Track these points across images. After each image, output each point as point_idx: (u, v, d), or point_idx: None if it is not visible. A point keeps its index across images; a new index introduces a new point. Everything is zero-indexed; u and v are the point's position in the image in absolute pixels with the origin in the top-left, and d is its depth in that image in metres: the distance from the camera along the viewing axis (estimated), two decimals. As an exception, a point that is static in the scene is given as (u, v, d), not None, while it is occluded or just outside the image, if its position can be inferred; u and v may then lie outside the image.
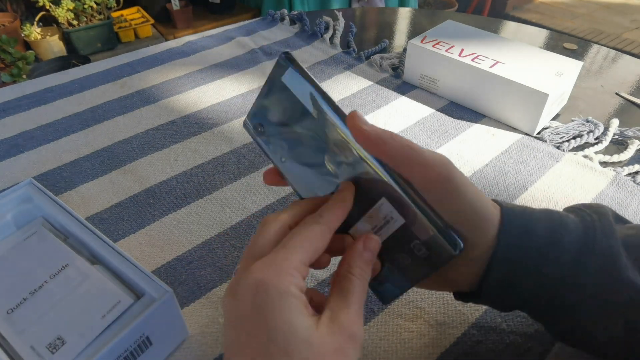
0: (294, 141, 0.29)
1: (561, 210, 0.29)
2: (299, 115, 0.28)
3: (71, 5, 1.86)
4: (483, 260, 0.26)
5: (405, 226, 0.26)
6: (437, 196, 0.25)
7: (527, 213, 0.27)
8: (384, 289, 0.28)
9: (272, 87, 0.28)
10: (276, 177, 0.30)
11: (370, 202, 0.27)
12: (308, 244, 0.24)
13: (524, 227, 0.26)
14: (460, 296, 0.30)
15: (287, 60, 0.27)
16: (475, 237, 0.26)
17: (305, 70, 0.27)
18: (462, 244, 0.25)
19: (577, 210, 0.28)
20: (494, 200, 0.28)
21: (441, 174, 0.25)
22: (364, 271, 0.25)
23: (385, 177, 0.26)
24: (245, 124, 0.31)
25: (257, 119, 0.30)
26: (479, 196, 0.26)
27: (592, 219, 0.27)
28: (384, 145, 0.25)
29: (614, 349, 0.27)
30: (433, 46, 0.62)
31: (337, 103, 0.27)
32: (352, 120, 0.25)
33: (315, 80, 0.27)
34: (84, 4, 1.88)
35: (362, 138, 0.25)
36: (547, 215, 0.27)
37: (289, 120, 0.28)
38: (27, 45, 1.91)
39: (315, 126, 0.27)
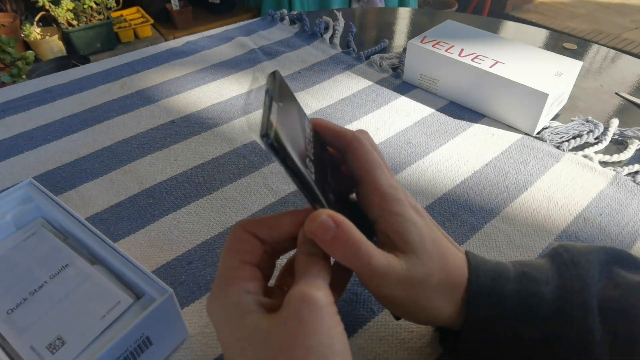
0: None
1: (555, 245, 0.30)
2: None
3: (71, 6, 1.86)
4: (451, 313, 0.27)
5: None
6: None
7: (497, 280, 0.27)
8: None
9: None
10: None
11: None
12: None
13: (494, 299, 0.26)
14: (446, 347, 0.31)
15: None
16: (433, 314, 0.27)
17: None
18: None
19: (561, 266, 0.28)
20: (466, 252, 0.28)
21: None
22: (303, 243, 0.26)
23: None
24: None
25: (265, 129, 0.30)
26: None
27: (572, 289, 0.26)
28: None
29: None
30: (433, 46, 0.62)
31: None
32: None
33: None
34: (84, 4, 1.88)
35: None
36: (521, 282, 0.27)
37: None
38: (27, 46, 1.91)
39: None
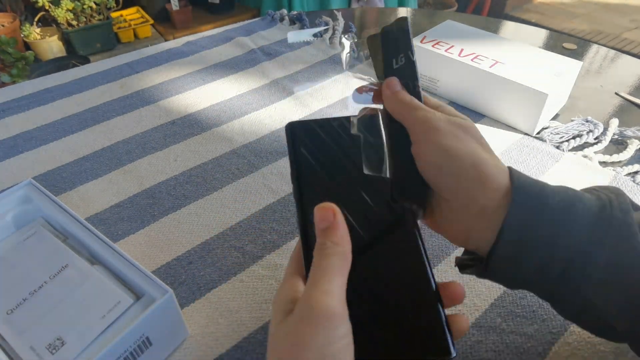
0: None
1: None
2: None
3: (70, 6, 1.85)
4: (491, 220, 0.26)
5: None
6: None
7: (539, 183, 0.26)
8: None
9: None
10: None
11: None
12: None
13: (536, 196, 0.25)
14: (467, 271, 0.29)
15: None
16: (476, 187, 0.26)
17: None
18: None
19: (592, 190, 0.28)
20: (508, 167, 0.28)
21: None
22: (320, 247, 0.24)
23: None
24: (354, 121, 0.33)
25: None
26: (476, 159, 0.27)
27: (608, 197, 0.26)
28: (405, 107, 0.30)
29: (625, 327, 0.26)
30: (433, 46, 0.62)
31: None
32: (388, 84, 0.31)
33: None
34: (84, 4, 1.87)
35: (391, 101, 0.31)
36: (561, 187, 0.26)
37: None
38: (27, 46, 1.91)
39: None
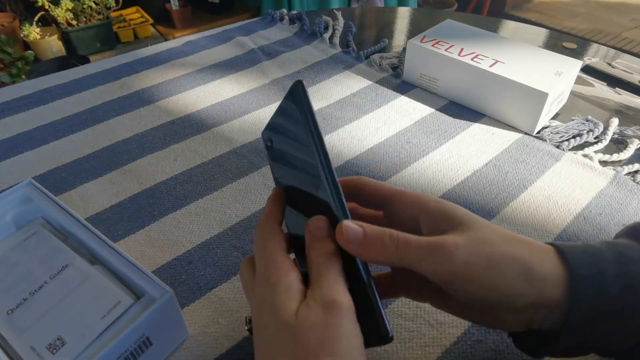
0: (291, 167, 0.29)
1: (629, 226, 0.28)
2: (297, 146, 0.28)
3: (70, 5, 1.85)
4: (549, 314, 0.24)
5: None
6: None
7: (598, 267, 0.24)
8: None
9: (283, 108, 0.28)
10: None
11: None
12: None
13: (597, 289, 0.24)
14: (526, 345, 0.28)
15: (298, 90, 0.27)
16: (523, 288, 0.24)
17: (309, 107, 0.26)
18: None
19: None
20: (550, 244, 0.26)
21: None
22: (315, 248, 0.26)
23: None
24: (262, 135, 0.32)
25: (269, 133, 0.31)
26: (511, 258, 0.24)
27: None
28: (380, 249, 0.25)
29: None
30: (432, 45, 0.62)
31: (326, 146, 0.26)
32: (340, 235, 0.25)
33: (315, 125, 0.26)
34: (83, 4, 1.87)
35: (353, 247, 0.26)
36: (621, 263, 0.24)
37: (290, 144, 0.29)
38: (27, 46, 1.91)
39: (308, 160, 0.27)
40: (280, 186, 0.31)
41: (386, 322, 0.24)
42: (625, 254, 0.25)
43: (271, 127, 0.30)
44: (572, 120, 0.59)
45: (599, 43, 0.83)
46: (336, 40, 0.79)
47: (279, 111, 0.29)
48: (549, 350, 0.25)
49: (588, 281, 0.24)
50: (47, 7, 1.84)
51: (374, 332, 0.24)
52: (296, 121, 0.27)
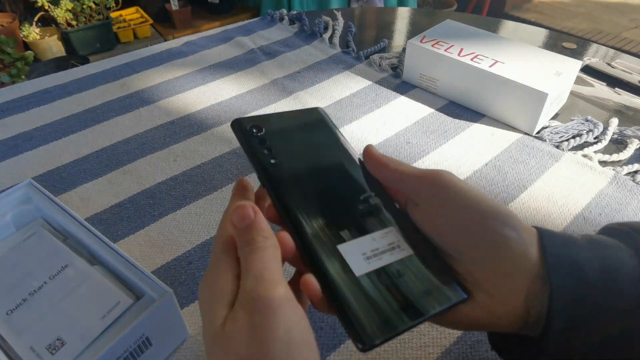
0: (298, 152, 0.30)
1: (601, 228, 0.27)
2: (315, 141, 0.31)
3: (70, 6, 1.85)
4: (526, 283, 0.24)
5: (412, 258, 0.25)
6: (444, 201, 0.25)
7: (572, 249, 0.24)
8: (363, 329, 0.23)
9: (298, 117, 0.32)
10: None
11: (374, 226, 0.27)
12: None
13: (575, 269, 0.23)
14: (507, 355, 0.27)
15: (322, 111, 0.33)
16: (502, 242, 0.24)
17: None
18: (467, 293, 0.24)
19: (625, 235, 0.25)
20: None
21: (444, 180, 0.26)
22: (248, 243, 0.24)
23: (393, 206, 0.28)
24: (239, 123, 0.30)
25: (258, 123, 0.30)
26: (497, 202, 0.25)
27: None
28: (387, 163, 0.28)
29: None
30: (432, 46, 0.62)
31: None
32: (367, 148, 0.29)
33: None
34: (83, 4, 1.87)
35: (371, 157, 0.29)
36: (594, 248, 0.24)
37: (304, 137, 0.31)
38: (26, 46, 1.91)
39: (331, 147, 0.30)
40: (265, 171, 0.28)
41: (456, 280, 0.25)
42: (598, 240, 0.25)
43: (267, 121, 0.31)
44: (572, 120, 0.59)
45: (599, 43, 0.83)
46: (336, 40, 0.79)
47: (291, 116, 0.32)
48: (541, 351, 0.24)
49: (564, 260, 0.24)
50: (46, 8, 1.84)
51: (443, 298, 0.24)
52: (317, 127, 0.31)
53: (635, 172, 0.52)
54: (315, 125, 0.31)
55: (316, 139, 0.31)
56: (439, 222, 0.26)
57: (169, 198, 0.49)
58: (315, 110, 0.33)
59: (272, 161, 0.28)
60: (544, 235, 0.25)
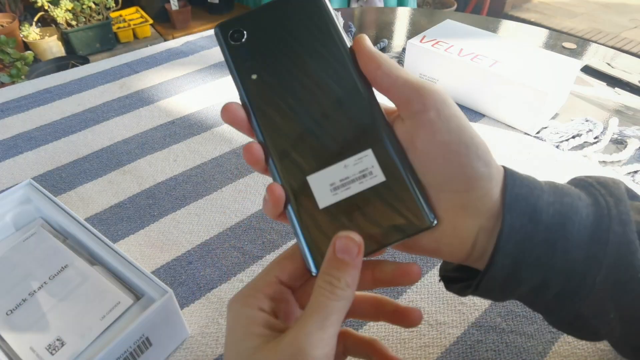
0: (284, 59, 0.26)
1: (570, 179, 0.27)
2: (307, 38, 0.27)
3: (70, 6, 1.86)
4: (480, 220, 0.24)
5: (383, 185, 0.24)
6: (431, 119, 0.24)
7: (534, 191, 0.24)
8: (315, 258, 0.24)
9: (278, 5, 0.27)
10: (237, 111, 0.26)
11: (351, 149, 0.25)
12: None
13: (530, 211, 0.23)
14: (453, 287, 0.27)
15: None
16: (472, 177, 0.24)
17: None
18: (435, 219, 0.24)
19: (588, 186, 0.26)
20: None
21: (437, 96, 0.24)
22: (331, 282, 0.22)
23: (381, 121, 0.25)
24: (222, 29, 0.27)
25: (240, 24, 0.27)
26: (477, 133, 0.24)
27: (607, 204, 0.24)
28: (379, 62, 0.25)
29: (612, 337, 0.26)
30: (432, 46, 0.62)
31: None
32: (358, 38, 0.25)
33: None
34: (83, 4, 1.87)
35: (363, 52, 0.25)
36: (555, 194, 0.24)
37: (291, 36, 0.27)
38: (26, 46, 1.91)
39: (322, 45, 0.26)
40: (257, 83, 0.27)
41: (424, 205, 0.24)
42: (561, 188, 0.25)
43: (247, 19, 0.27)
44: (572, 120, 0.59)
45: (599, 43, 0.83)
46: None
47: (272, 7, 0.27)
48: (481, 284, 0.25)
49: (522, 202, 0.24)
50: (46, 8, 1.84)
51: (409, 224, 0.24)
52: (308, 15, 0.27)
53: (635, 171, 0.52)
54: (306, 15, 0.27)
55: (304, 35, 0.27)
56: (418, 144, 0.24)
57: (169, 198, 0.49)
58: None
59: (253, 77, 0.26)
60: (509, 176, 0.25)
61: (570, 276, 0.24)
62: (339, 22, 0.27)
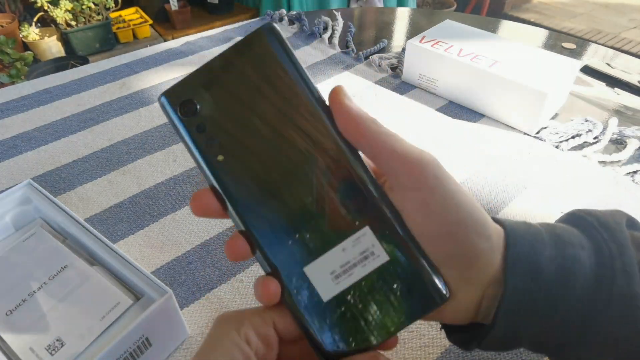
0: (249, 130, 0.22)
1: (569, 212, 0.27)
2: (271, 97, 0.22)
3: (69, 6, 1.85)
4: (483, 289, 0.24)
5: (388, 265, 0.22)
6: (425, 198, 0.22)
7: (535, 247, 0.23)
8: (333, 342, 0.23)
9: (242, 51, 0.22)
10: (209, 200, 0.23)
11: (346, 228, 0.22)
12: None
13: (532, 269, 0.23)
14: (455, 337, 0.27)
15: (270, 32, 0.22)
16: (474, 254, 0.23)
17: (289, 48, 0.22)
18: (448, 292, 0.23)
19: (590, 229, 0.25)
20: (493, 219, 0.24)
21: (429, 171, 0.22)
22: None
23: (374, 192, 0.22)
24: (165, 99, 0.23)
25: (190, 93, 0.23)
26: (476, 205, 0.23)
27: (610, 253, 0.23)
28: (363, 127, 0.22)
29: None
30: (432, 46, 0.62)
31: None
32: (334, 93, 0.22)
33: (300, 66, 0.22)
34: (83, 4, 1.87)
35: (342, 113, 0.22)
36: (557, 246, 0.23)
37: (252, 100, 0.22)
38: (26, 46, 1.91)
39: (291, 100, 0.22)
40: (223, 166, 0.23)
41: (437, 280, 0.22)
42: (563, 237, 0.24)
43: (196, 85, 0.23)
44: (571, 120, 0.59)
45: (598, 43, 0.83)
46: (335, 40, 0.79)
47: (227, 58, 0.23)
48: (483, 342, 0.24)
49: (523, 261, 0.23)
50: (46, 8, 1.84)
51: (425, 301, 0.22)
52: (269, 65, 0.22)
53: (635, 172, 0.52)
54: (264, 65, 0.22)
55: (268, 94, 0.22)
56: (411, 220, 0.23)
57: (169, 198, 0.49)
58: (259, 38, 0.22)
59: (219, 158, 0.23)
60: (509, 234, 0.24)
61: (571, 331, 0.23)
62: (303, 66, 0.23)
